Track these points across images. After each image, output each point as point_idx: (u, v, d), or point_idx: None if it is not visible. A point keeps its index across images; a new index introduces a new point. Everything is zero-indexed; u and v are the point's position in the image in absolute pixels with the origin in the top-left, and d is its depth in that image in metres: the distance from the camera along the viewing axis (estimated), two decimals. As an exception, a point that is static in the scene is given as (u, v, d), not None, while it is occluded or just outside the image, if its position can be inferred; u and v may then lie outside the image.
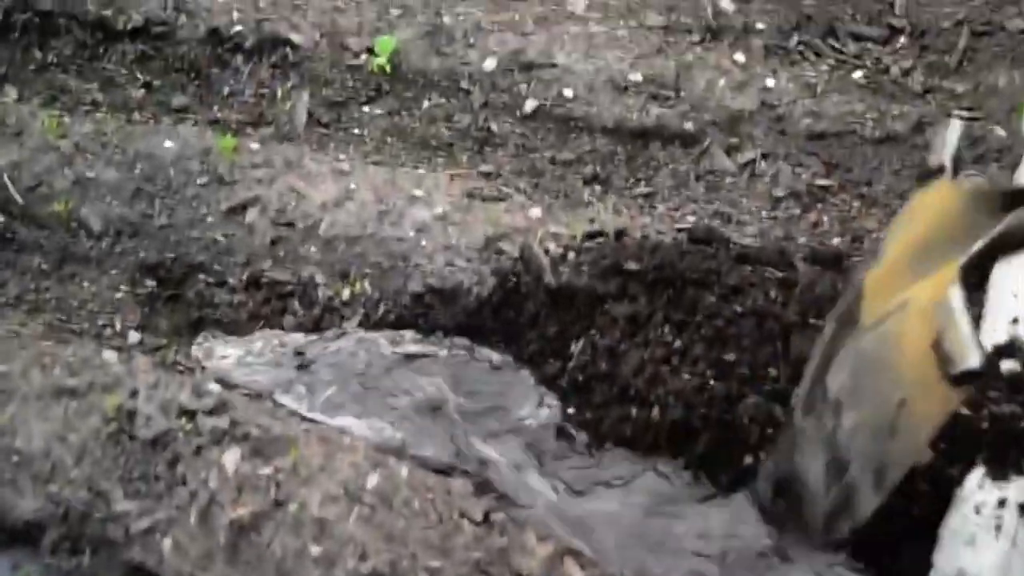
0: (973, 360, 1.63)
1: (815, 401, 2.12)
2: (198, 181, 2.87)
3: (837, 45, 3.33)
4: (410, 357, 2.57)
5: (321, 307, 2.70)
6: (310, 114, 3.23)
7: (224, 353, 2.58)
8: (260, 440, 2.24)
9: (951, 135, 1.95)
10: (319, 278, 2.72)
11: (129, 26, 3.44)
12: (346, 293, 2.68)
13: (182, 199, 2.85)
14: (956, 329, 1.66)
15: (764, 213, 2.94)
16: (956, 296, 1.68)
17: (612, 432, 2.43)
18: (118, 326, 2.73)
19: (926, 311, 1.76)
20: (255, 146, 2.97)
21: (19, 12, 3.50)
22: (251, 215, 2.80)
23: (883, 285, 1.96)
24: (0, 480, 2.19)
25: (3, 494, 2.20)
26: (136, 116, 3.23)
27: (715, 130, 3.10)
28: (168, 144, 2.95)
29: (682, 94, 3.15)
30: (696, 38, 3.34)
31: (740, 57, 3.25)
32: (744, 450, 2.35)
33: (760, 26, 3.34)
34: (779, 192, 2.98)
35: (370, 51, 3.29)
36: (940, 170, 1.91)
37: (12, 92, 3.36)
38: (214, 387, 2.30)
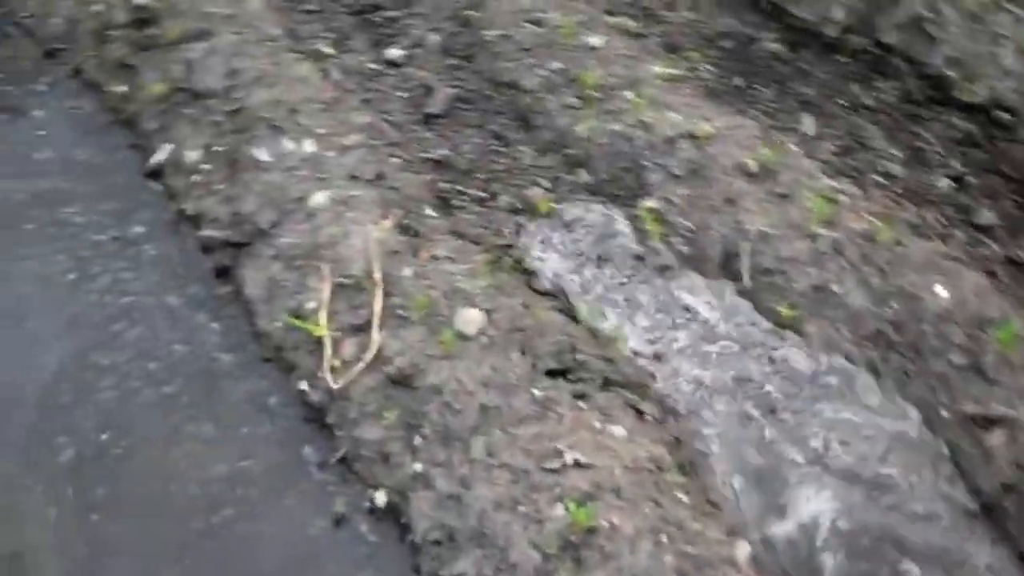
0: None
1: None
2: (952, 359, 2.22)
3: None
4: None
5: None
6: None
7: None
8: None
9: None
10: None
11: (970, 98, 2.79)
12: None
13: (921, 371, 2.23)
14: None
15: None
16: None
17: None
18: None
19: None
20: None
21: (857, 35, 3.02)
22: (996, 436, 2.11)
23: None
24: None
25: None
26: (904, 213, 2.62)
27: None
28: (939, 289, 2.32)
29: None
30: None
31: None
32: None
33: None
34: None
35: None
36: None
37: (809, 124, 2.93)
38: None
